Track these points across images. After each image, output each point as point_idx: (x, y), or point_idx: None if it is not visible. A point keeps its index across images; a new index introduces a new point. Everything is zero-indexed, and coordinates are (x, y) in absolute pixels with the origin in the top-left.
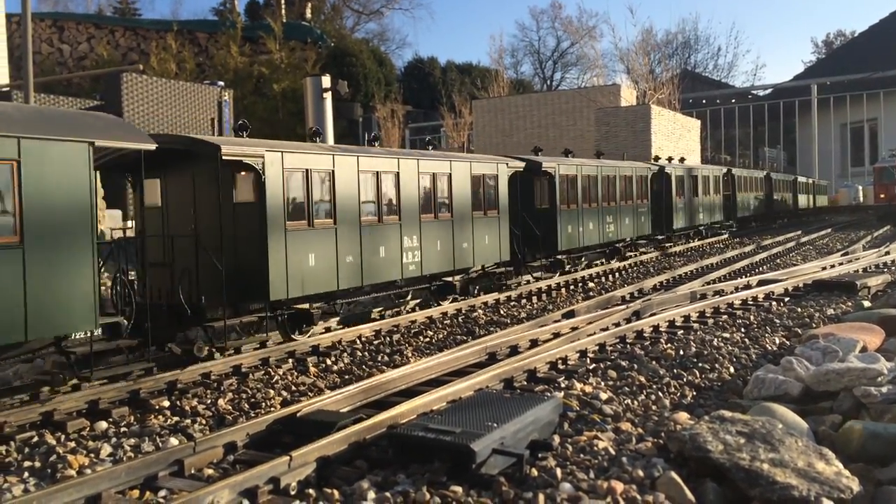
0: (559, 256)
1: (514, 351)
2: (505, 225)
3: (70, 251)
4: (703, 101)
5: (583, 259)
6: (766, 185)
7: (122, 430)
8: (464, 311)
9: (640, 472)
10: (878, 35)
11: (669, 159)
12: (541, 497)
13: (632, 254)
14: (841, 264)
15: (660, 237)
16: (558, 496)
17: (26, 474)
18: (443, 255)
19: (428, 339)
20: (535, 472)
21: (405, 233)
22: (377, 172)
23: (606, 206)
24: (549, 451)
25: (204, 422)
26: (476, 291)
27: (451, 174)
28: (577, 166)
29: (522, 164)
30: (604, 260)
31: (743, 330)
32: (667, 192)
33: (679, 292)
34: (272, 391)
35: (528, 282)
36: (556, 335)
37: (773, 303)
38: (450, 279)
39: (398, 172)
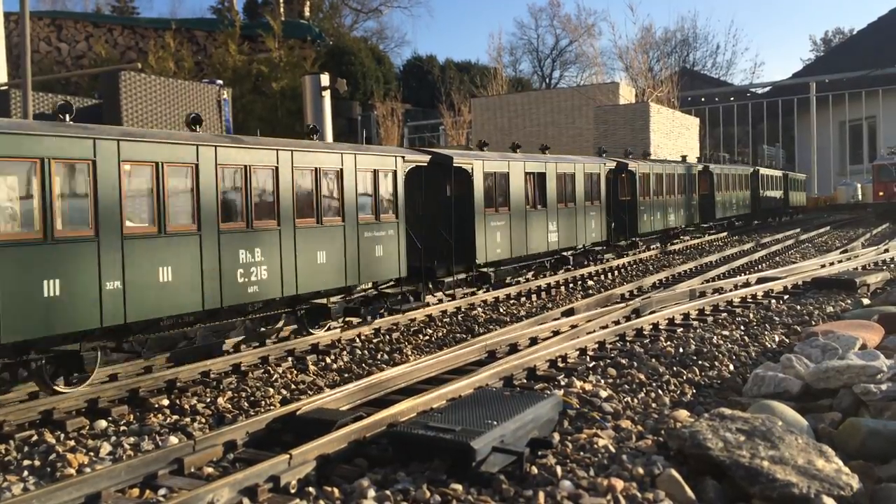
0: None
1: (513, 349)
2: (402, 233)
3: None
4: (702, 99)
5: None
6: (752, 183)
7: (122, 428)
8: (463, 310)
9: (640, 470)
10: (877, 33)
11: (645, 155)
12: (541, 495)
13: (589, 264)
14: (840, 262)
15: (622, 244)
16: (558, 494)
17: (26, 473)
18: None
19: (427, 338)
20: (535, 469)
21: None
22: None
23: (538, 210)
24: (549, 449)
25: (203, 420)
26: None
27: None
28: (506, 162)
29: (427, 158)
30: (544, 274)
31: (742, 328)
32: (630, 193)
33: (678, 290)
34: (272, 389)
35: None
36: (556, 333)
37: (773, 300)
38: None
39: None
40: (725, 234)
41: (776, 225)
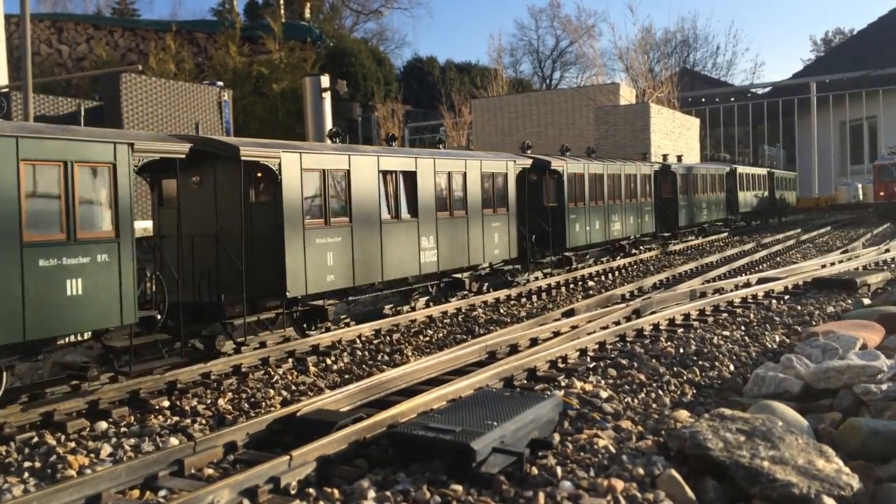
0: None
1: (514, 350)
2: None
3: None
4: (703, 100)
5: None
6: (727, 184)
7: (122, 430)
8: (464, 311)
9: (641, 471)
10: (877, 33)
11: (589, 153)
12: (541, 495)
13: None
14: (841, 262)
15: (544, 260)
16: (558, 494)
17: (26, 475)
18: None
19: (428, 339)
20: (535, 470)
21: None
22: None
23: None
24: (550, 450)
25: (204, 421)
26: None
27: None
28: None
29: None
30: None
31: (743, 328)
32: (557, 198)
33: (679, 290)
34: (272, 391)
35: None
36: (556, 334)
37: (773, 301)
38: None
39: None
40: (698, 241)
41: (755, 230)
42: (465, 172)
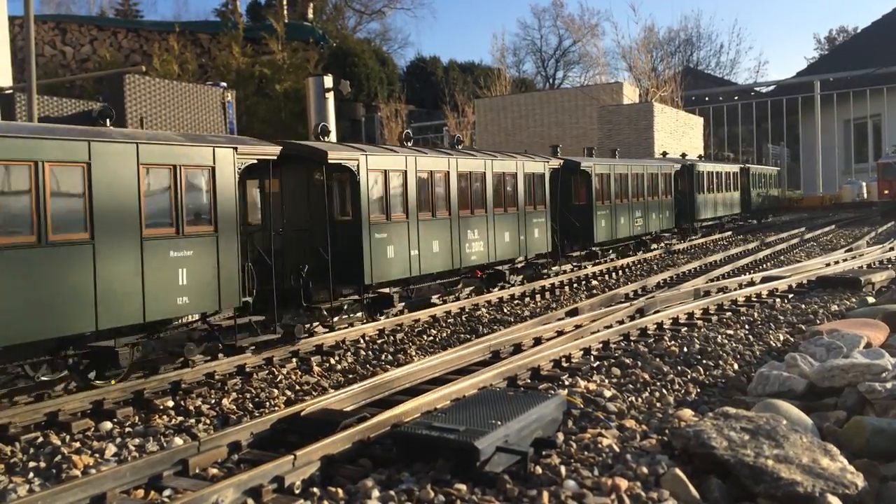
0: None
1: (517, 349)
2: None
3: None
4: (706, 99)
5: None
6: (681, 184)
7: (127, 430)
8: (467, 310)
9: (645, 469)
10: (881, 31)
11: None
12: (545, 494)
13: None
14: (845, 260)
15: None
16: (562, 493)
17: (31, 474)
18: None
19: (431, 338)
20: (539, 469)
21: None
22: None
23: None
24: (554, 449)
25: (208, 421)
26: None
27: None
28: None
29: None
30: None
31: (747, 327)
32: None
33: (683, 289)
34: (276, 391)
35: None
36: (560, 333)
37: (777, 299)
38: None
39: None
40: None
41: (709, 243)
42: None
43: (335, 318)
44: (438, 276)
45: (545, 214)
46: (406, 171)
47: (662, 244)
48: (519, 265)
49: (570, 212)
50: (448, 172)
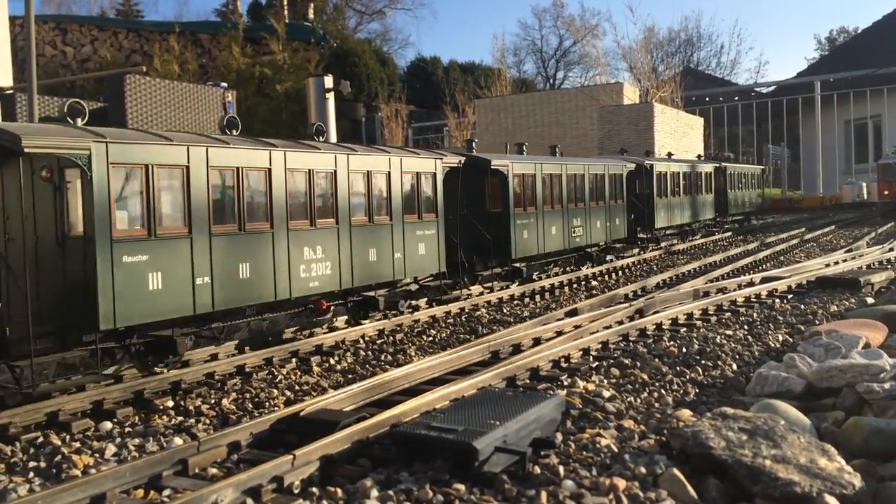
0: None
1: (516, 349)
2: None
3: None
4: (707, 99)
5: None
6: (633, 187)
7: (127, 430)
8: (467, 311)
9: (643, 469)
10: (882, 31)
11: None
12: (543, 494)
13: None
14: (844, 261)
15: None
16: (561, 493)
17: (31, 474)
18: None
19: (431, 339)
20: (537, 469)
21: None
22: None
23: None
24: (552, 449)
25: (208, 421)
26: None
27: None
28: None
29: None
30: None
31: (746, 327)
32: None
33: (682, 290)
34: (276, 391)
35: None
36: (560, 333)
37: (776, 300)
38: None
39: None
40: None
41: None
42: (387, 172)
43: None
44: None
45: (436, 225)
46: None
47: (609, 257)
48: (404, 289)
49: (482, 221)
50: (269, 170)
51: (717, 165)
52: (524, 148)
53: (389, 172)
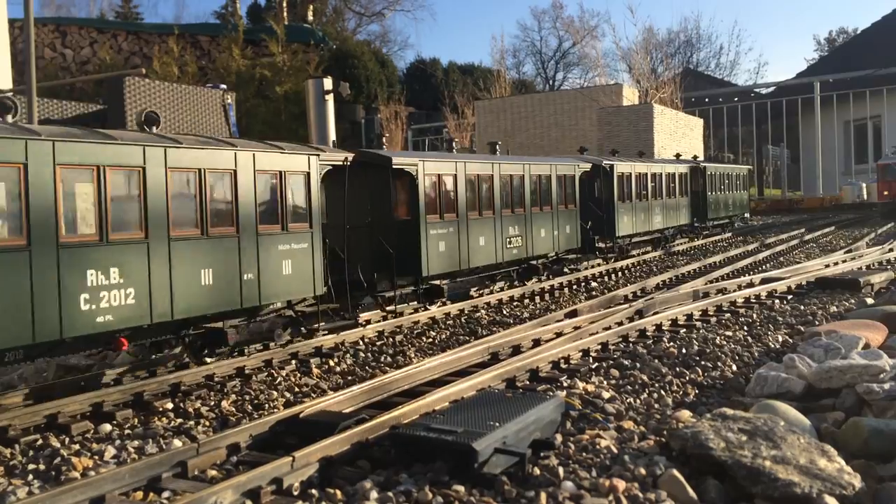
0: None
1: (516, 350)
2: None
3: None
4: (706, 100)
5: None
6: (588, 191)
7: (126, 432)
8: (466, 312)
9: (643, 470)
10: (881, 32)
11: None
12: (543, 496)
13: None
14: (844, 262)
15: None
16: (560, 495)
17: (31, 477)
18: None
19: (431, 340)
20: (537, 470)
21: None
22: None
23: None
24: (552, 450)
25: (207, 423)
26: None
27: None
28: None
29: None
30: None
31: (745, 328)
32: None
33: (682, 291)
34: (275, 392)
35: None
36: (559, 335)
37: (776, 300)
38: None
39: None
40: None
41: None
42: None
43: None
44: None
45: (310, 237)
46: None
47: (545, 275)
48: (268, 316)
49: (385, 231)
50: (25, 166)
51: (695, 166)
52: (497, 147)
53: (235, 171)
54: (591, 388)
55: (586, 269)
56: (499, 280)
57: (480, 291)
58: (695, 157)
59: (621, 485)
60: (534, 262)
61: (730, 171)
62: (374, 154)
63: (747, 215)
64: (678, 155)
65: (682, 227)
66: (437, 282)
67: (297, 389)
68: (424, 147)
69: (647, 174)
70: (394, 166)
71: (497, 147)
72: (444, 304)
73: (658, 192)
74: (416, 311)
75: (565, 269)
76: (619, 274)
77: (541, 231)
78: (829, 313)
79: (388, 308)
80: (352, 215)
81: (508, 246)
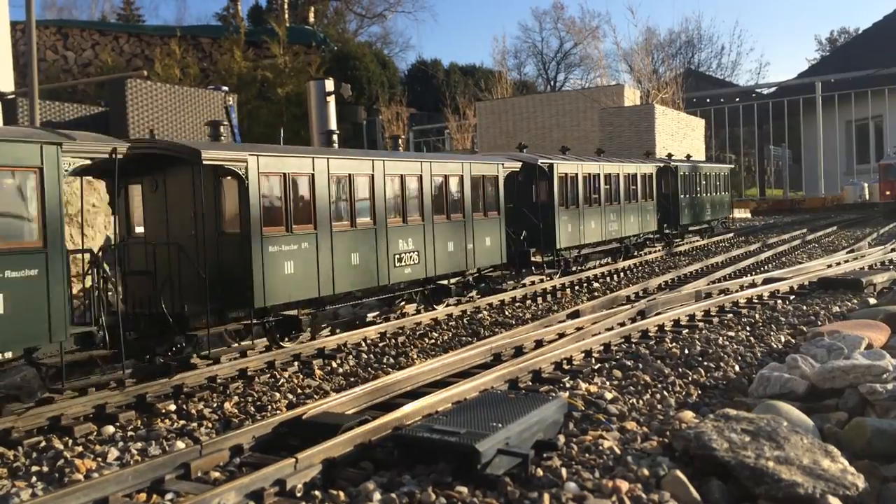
0: None
1: (519, 351)
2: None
3: None
4: (707, 101)
5: None
6: (540, 194)
7: (129, 434)
8: (468, 313)
9: (646, 471)
10: (883, 32)
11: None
12: (546, 497)
13: None
14: (847, 262)
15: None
16: (563, 496)
17: (34, 479)
18: None
19: (433, 341)
20: (540, 471)
21: None
22: None
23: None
24: (555, 451)
25: (210, 425)
26: None
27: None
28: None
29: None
30: None
31: (748, 328)
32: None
33: (684, 291)
34: (278, 394)
35: None
36: (562, 335)
37: (779, 301)
38: None
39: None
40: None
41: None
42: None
43: None
44: None
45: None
46: None
47: (454, 299)
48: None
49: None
50: None
51: (663, 165)
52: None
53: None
54: (593, 388)
55: (514, 288)
56: (400, 302)
57: (386, 316)
58: (669, 156)
59: (624, 486)
60: (443, 283)
61: (708, 170)
62: (170, 144)
63: (727, 217)
64: (648, 153)
65: (649, 235)
66: (292, 312)
67: (299, 391)
68: (427, 148)
69: (598, 175)
70: (205, 162)
71: (398, 143)
72: (447, 304)
73: (614, 196)
74: (417, 311)
75: (495, 287)
76: (622, 275)
77: (447, 245)
78: (831, 313)
79: (201, 353)
80: (150, 227)
81: (398, 264)
